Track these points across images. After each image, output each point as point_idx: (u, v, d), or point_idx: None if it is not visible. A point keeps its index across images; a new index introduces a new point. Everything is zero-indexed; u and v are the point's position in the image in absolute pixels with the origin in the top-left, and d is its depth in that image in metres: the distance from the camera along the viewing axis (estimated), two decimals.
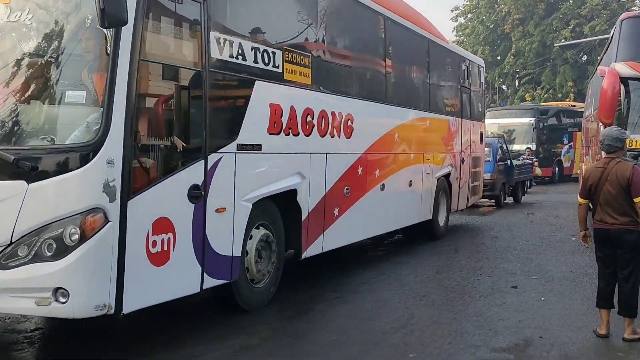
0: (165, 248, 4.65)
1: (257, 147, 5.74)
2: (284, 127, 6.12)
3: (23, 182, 4.13)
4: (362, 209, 7.77)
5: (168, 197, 4.69)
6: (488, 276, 7.77)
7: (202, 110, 4.98)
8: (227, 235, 5.38)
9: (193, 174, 4.92)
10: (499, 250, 9.77)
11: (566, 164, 26.44)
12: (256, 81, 5.74)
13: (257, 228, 5.95)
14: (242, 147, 5.51)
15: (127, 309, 4.32)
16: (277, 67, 6.06)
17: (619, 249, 5.19)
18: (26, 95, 4.48)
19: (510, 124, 24.10)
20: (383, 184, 8.34)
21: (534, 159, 20.89)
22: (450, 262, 8.87)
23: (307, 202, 6.57)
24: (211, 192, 5.10)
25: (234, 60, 5.44)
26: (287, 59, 6.19)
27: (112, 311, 4.23)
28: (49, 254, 4.10)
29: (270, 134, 5.93)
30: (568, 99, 32.30)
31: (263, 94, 5.83)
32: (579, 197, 5.55)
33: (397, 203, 8.91)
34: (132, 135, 4.30)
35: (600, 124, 9.39)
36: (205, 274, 5.10)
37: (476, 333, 5.40)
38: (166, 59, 4.78)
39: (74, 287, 4.08)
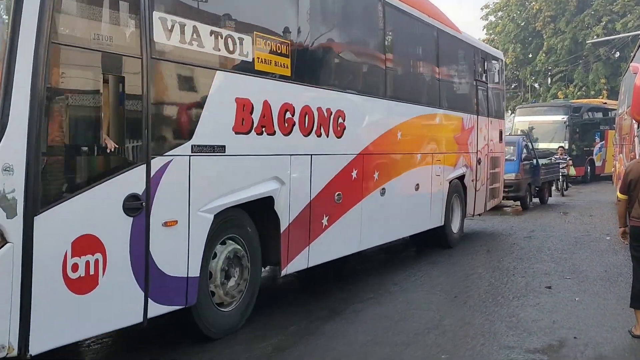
0: (92, 272, 3.85)
1: (219, 149, 4.91)
2: (255, 125, 5.27)
3: None
4: (357, 216, 6.89)
5: (95, 210, 3.88)
6: (521, 277, 7.67)
7: (141, 105, 4.19)
8: (180, 253, 4.56)
9: (130, 181, 4.12)
10: (533, 250, 9.57)
11: (598, 163, 25.32)
12: (217, 72, 4.92)
13: (223, 243, 5.14)
14: (198, 149, 4.69)
15: (35, 349, 3.53)
16: (246, 55, 5.23)
17: None
18: None
19: (541, 122, 22.98)
20: (383, 188, 7.43)
21: (568, 158, 19.64)
22: (482, 262, 8.70)
23: (287, 211, 5.72)
24: (156, 203, 4.29)
25: (186, 46, 4.61)
26: (258, 46, 5.35)
27: (15, 352, 3.44)
28: None
29: (237, 133, 5.10)
30: (601, 97, 31.35)
31: (226, 87, 5.01)
32: (618, 192, 5.57)
33: (401, 209, 7.96)
34: (40, 134, 3.51)
35: (634, 121, 9.31)
36: (150, 299, 4.29)
37: (509, 334, 5.37)
38: (90, 42, 3.90)
39: None
